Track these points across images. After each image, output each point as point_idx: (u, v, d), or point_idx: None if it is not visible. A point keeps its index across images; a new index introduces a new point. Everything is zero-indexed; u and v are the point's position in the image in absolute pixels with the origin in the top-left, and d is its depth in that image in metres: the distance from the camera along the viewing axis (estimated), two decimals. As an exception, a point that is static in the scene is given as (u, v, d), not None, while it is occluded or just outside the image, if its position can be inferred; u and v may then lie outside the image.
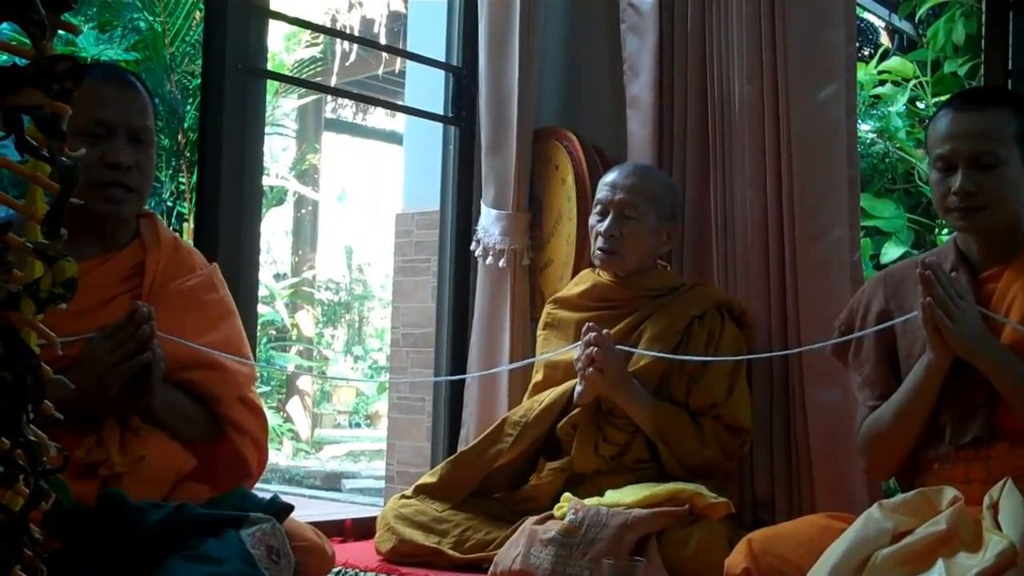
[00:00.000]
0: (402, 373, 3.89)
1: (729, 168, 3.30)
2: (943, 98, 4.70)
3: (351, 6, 9.29)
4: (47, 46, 1.00)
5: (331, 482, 7.31)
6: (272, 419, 9.07)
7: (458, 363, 3.73)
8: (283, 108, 9.43)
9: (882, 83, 5.43)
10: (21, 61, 1.01)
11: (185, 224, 7.42)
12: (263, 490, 2.54)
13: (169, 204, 7.19)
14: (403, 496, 3.06)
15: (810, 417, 3.07)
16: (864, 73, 5.33)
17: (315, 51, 9.27)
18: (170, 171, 6.81)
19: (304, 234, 11.06)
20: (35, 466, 1.10)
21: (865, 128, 5.38)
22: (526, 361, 3.24)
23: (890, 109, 5.34)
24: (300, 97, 9.80)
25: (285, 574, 2.00)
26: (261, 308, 9.36)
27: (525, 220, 3.63)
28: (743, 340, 3.09)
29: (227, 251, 3.13)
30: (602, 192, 3.11)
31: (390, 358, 4.11)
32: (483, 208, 3.67)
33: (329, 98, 11.17)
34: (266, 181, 9.47)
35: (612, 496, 2.77)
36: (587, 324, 2.96)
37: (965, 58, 5.09)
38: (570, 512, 2.68)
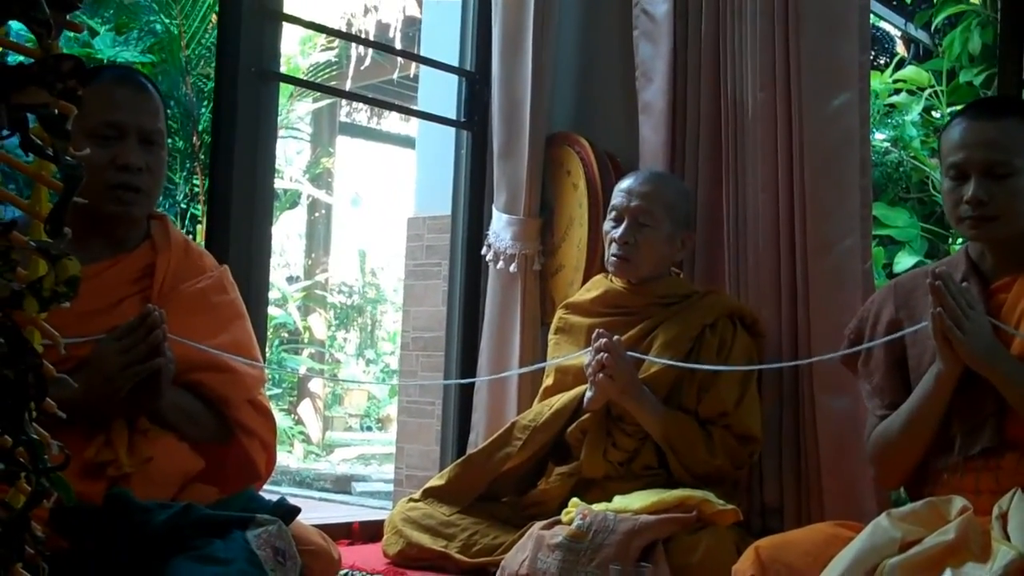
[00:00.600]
0: (412, 377, 3.89)
1: (741, 175, 3.29)
2: (958, 107, 4.69)
3: (367, 11, 9.31)
4: (53, 45, 1.00)
5: (341, 485, 7.32)
6: (283, 421, 9.10)
7: (468, 367, 3.73)
8: (298, 112, 9.46)
9: (897, 92, 5.43)
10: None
11: (199, 226, 7.44)
12: (273, 492, 2.55)
13: (183, 206, 7.22)
14: (411, 499, 3.06)
15: (819, 425, 3.06)
16: (879, 82, 5.33)
17: (330, 55, 9.30)
18: (184, 173, 6.84)
19: (318, 237, 11.08)
20: (37, 464, 1.10)
21: (880, 137, 5.38)
22: (537, 366, 3.24)
23: (905, 118, 5.34)
24: (315, 101, 9.83)
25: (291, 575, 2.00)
26: (274, 311, 9.40)
27: (536, 225, 3.63)
28: (755, 349, 3.08)
29: (238, 253, 3.14)
30: (617, 198, 3.10)
31: (400, 362, 4.11)
32: (495, 213, 3.67)
33: (344, 102, 11.19)
34: (280, 184, 9.50)
35: (620, 502, 2.76)
36: (597, 330, 2.96)
37: (981, 67, 5.09)
38: (577, 517, 2.67)
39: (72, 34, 1.06)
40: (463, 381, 3.65)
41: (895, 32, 6.21)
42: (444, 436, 3.75)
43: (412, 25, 8.85)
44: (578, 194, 3.59)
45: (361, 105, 11.74)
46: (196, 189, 6.82)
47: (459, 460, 3.15)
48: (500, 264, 3.60)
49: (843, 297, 3.05)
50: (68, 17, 1.05)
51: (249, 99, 3.19)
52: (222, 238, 3.17)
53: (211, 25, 6.59)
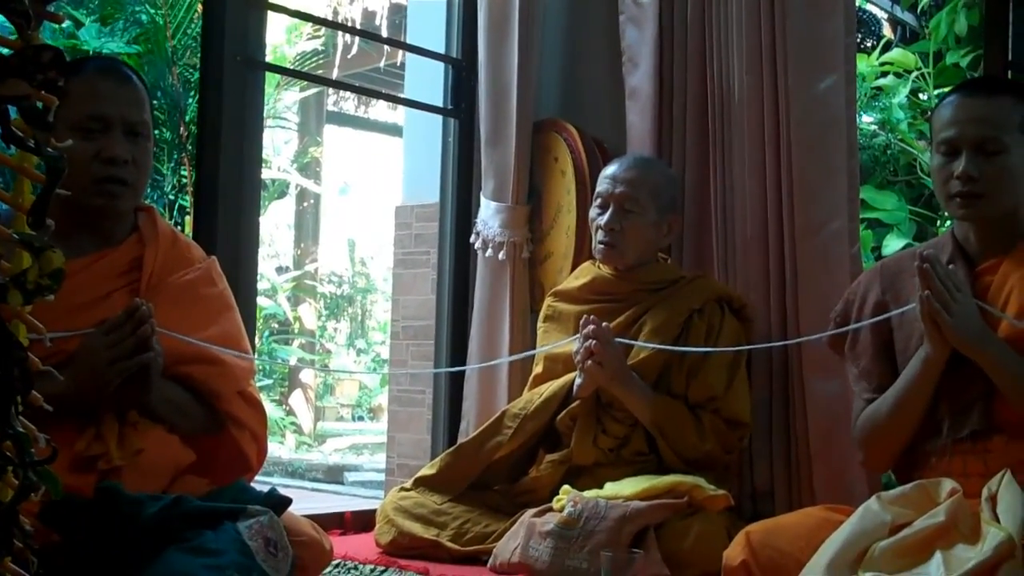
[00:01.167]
0: (402, 366, 3.89)
1: (729, 159, 3.29)
2: (945, 89, 4.69)
3: (352, -2, 9.29)
4: (33, 36, 1.00)
5: (333, 475, 7.30)
6: (275, 412, 9.09)
7: (458, 356, 3.73)
8: (285, 101, 9.44)
9: (884, 75, 5.43)
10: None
11: (187, 217, 7.42)
12: (265, 483, 2.55)
13: (171, 197, 7.20)
14: (402, 488, 3.06)
15: (809, 409, 3.07)
16: (866, 65, 5.33)
17: (317, 43, 9.27)
18: (172, 164, 6.82)
19: (306, 227, 11.06)
20: (24, 458, 1.10)
21: (867, 120, 5.38)
22: (526, 354, 3.24)
23: (892, 101, 5.34)
24: (302, 90, 9.80)
25: (283, 566, 2.00)
26: (263, 301, 9.38)
27: (525, 212, 3.63)
28: (743, 333, 3.08)
29: (227, 244, 3.13)
30: (602, 185, 3.10)
31: (391, 351, 4.11)
32: (483, 200, 3.67)
33: (331, 91, 11.16)
34: (268, 174, 9.47)
35: (611, 488, 2.77)
36: (585, 317, 2.96)
37: (967, 49, 5.09)
38: (569, 504, 2.68)
39: (57, 26, 1.05)
40: (452, 370, 3.65)
41: (881, 14, 6.21)
42: (435, 425, 3.75)
43: (398, 12, 8.82)
44: (566, 181, 3.59)
45: (348, 94, 11.71)
46: (184, 180, 6.81)
47: (450, 449, 3.15)
48: (489, 252, 3.59)
49: (831, 280, 3.05)
50: (48, 8, 1.04)
51: (235, 89, 3.18)
52: (210, 229, 3.16)
53: (196, 15, 6.56)
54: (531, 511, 2.78)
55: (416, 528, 2.91)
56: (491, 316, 3.59)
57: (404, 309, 3.93)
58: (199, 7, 6.48)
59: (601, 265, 3.17)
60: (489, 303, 3.60)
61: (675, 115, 3.46)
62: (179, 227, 7.84)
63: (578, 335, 2.96)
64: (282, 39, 8.78)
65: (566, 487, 2.82)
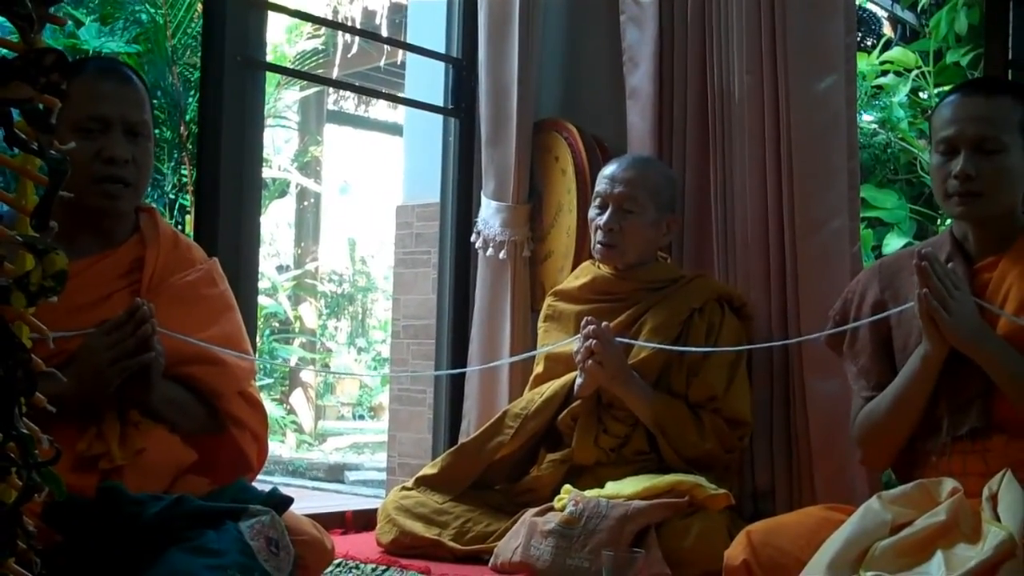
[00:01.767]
0: (403, 365, 3.89)
1: (729, 159, 3.29)
2: (945, 88, 4.70)
3: (352, -3, 9.29)
4: (35, 39, 1.00)
5: (334, 474, 7.32)
6: (275, 411, 9.09)
7: (459, 355, 3.73)
8: (285, 100, 9.44)
9: (884, 73, 5.43)
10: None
11: (188, 216, 7.42)
12: (266, 482, 2.55)
13: (172, 197, 7.21)
14: (404, 488, 3.06)
15: (810, 408, 3.07)
16: (866, 63, 5.33)
17: (317, 43, 9.27)
18: (172, 164, 6.83)
19: (307, 226, 11.06)
20: (27, 459, 1.10)
21: (867, 119, 5.38)
22: (526, 355, 3.24)
23: (892, 99, 5.34)
24: (302, 89, 9.80)
25: (284, 566, 2.00)
26: (264, 300, 9.38)
27: (525, 212, 3.63)
28: (743, 332, 3.08)
29: (227, 243, 3.14)
30: (601, 185, 3.10)
31: (391, 350, 4.11)
32: (483, 200, 3.67)
33: (331, 90, 11.17)
34: (268, 173, 9.48)
35: (612, 488, 2.77)
36: (586, 317, 2.96)
37: (967, 48, 5.09)
38: (570, 504, 2.68)
39: (56, 26, 1.06)
40: (453, 372, 3.65)
41: (882, 13, 6.21)
42: (436, 424, 3.75)
43: (398, 12, 8.82)
44: (566, 180, 3.59)
45: (349, 93, 11.72)
46: (184, 179, 6.81)
47: (451, 449, 3.15)
48: (489, 251, 3.59)
49: (831, 279, 3.05)
50: (50, 10, 1.04)
51: (235, 88, 3.18)
52: (211, 228, 3.16)
53: (196, 14, 6.57)
54: (532, 510, 2.78)
55: (417, 527, 2.91)
56: (492, 315, 3.59)
57: (405, 308, 3.93)
58: (199, 7, 6.48)
59: (601, 265, 3.17)
60: (490, 302, 3.60)
61: (675, 115, 3.46)
62: (180, 226, 7.85)
63: (579, 335, 2.96)
64: (282, 38, 8.78)
65: (567, 486, 2.82)
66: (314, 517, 3.08)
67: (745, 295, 3.16)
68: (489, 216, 3.62)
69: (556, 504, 2.76)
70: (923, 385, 2.39)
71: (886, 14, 6.20)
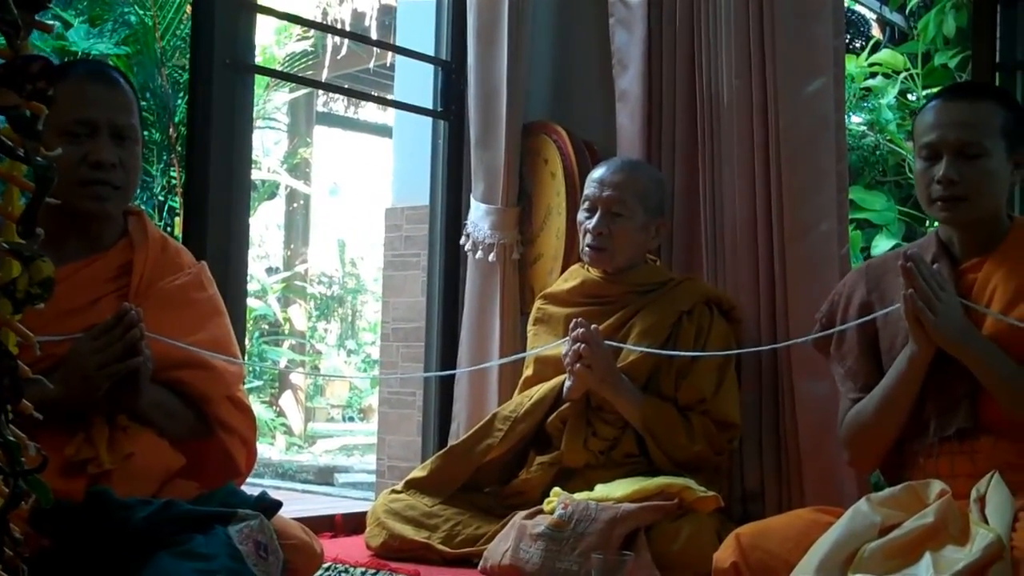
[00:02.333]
0: (392, 368, 3.89)
1: (718, 162, 3.30)
2: (934, 90, 4.71)
3: (342, 0, 9.28)
4: (22, 46, 1.00)
5: (324, 476, 7.30)
6: (265, 413, 9.07)
7: (448, 358, 3.73)
8: (274, 102, 9.43)
9: (873, 75, 5.44)
10: None
11: (177, 218, 7.40)
12: (255, 485, 2.55)
13: (160, 199, 7.20)
14: (393, 491, 3.06)
15: (799, 410, 3.07)
16: (855, 65, 5.34)
17: (306, 44, 9.26)
18: (161, 165, 6.82)
19: (296, 228, 11.04)
20: (14, 466, 1.10)
21: (856, 120, 5.39)
22: (515, 357, 3.24)
23: (880, 101, 5.35)
24: (291, 91, 9.79)
25: (273, 570, 2.00)
26: (253, 303, 9.36)
27: (515, 214, 3.63)
28: (732, 335, 3.09)
29: (216, 245, 3.13)
30: (590, 188, 3.11)
31: (381, 352, 4.11)
32: (472, 202, 3.67)
33: (320, 92, 11.15)
34: (258, 175, 9.46)
35: (601, 490, 2.77)
36: (575, 320, 2.96)
37: (955, 50, 5.10)
38: (559, 507, 2.68)
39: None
40: (442, 374, 3.65)
41: (870, 15, 6.22)
42: (425, 427, 3.75)
43: (388, 14, 8.82)
44: (556, 183, 3.59)
45: (338, 95, 11.70)
46: (173, 181, 6.80)
47: (441, 452, 3.14)
48: (479, 254, 3.59)
49: (820, 282, 3.05)
50: (37, 16, 1.04)
51: (224, 91, 3.18)
52: (200, 230, 3.15)
53: (186, 16, 6.56)
54: (522, 513, 2.78)
55: (407, 530, 2.91)
56: (481, 318, 3.59)
57: (394, 311, 3.93)
58: (188, 8, 6.47)
59: (590, 268, 3.17)
60: (479, 305, 3.60)
61: (664, 117, 3.46)
62: (169, 228, 7.84)
63: (567, 338, 2.96)
64: (272, 39, 8.77)
65: (556, 489, 2.83)
66: (303, 520, 3.07)
67: (734, 298, 3.16)
68: (478, 219, 3.62)
69: (545, 507, 2.76)
70: (910, 386, 2.40)
71: (874, 16, 6.22)
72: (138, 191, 5.31)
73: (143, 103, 5.76)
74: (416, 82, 3.99)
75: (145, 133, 2.46)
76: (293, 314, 10.66)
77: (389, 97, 4.53)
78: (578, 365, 2.91)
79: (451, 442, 3.46)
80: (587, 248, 3.09)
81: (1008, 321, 2.31)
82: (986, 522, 2.12)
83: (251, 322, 9.35)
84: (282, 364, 10.12)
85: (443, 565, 2.82)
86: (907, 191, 5.37)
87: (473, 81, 3.69)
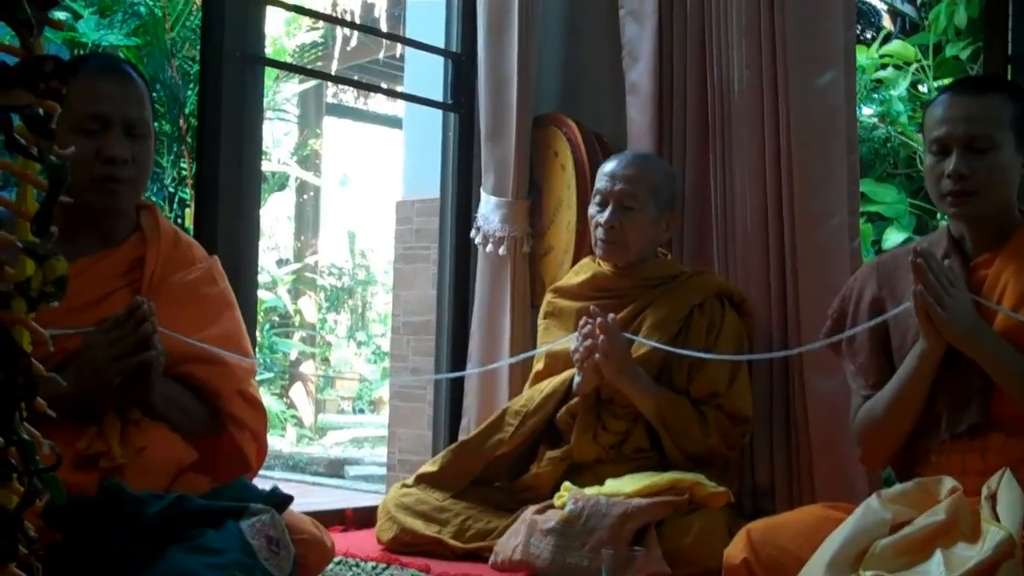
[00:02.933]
0: (403, 361, 3.89)
1: (729, 154, 3.29)
2: (945, 82, 4.69)
3: (353, -10, 9.27)
4: (35, 44, 1.00)
5: (334, 469, 7.31)
6: (275, 405, 9.08)
7: (459, 351, 3.73)
8: (284, 93, 9.41)
9: (884, 67, 5.42)
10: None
11: (187, 210, 7.40)
12: (266, 478, 2.55)
13: (171, 190, 7.20)
14: (404, 485, 3.07)
15: (810, 405, 3.07)
16: (866, 57, 5.32)
17: (316, 35, 9.25)
18: (172, 157, 6.82)
19: (306, 219, 11.05)
20: (28, 464, 1.10)
21: (867, 112, 5.37)
22: (524, 355, 3.23)
23: (892, 93, 5.33)
24: (301, 82, 9.79)
25: (285, 565, 2.00)
26: (264, 294, 9.36)
27: (525, 207, 3.62)
28: (743, 329, 3.09)
29: (227, 236, 3.14)
30: (601, 182, 3.10)
31: (391, 346, 4.10)
32: (483, 195, 3.66)
33: (330, 83, 11.15)
34: (267, 167, 9.46)
35: (612, 485, 2.77)
36: (585, 317, 2.96)
37: (967, 42, 5.08)
38: (570, 502, 2.68)
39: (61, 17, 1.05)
40: (453, 375, 3.64)
41: (881, 5, 6.20)
42: (436, 421, 3.75)
43: (398, 5, 8.80)
44: (566, 175, 3.59)
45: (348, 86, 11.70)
46: (184, 172, 6.80)
47: (452, 447, 3.16)
48: (489, 247, 3.59)
49: (831, 275, 3.05)
50: (49, 14, 1.04)
51: (234, 83, 3.18)
52: (211, 222, 3.16)
53: (196, 7, 6.55)
54: (532, 508, 2.79)
55: (418, 525, 2.91)
56: (492, 311, 3.59)
57: (405, 304, 3.93)
58: (198, 0, 6.47)
59: (601, 261, 3.17)
60: (490, 298, 3.60)
61: (675, 110, 3.46)
62: (179, 220, 7.83)
63: (577, 333, 2.96)
64: (281, 30, 8.76)
65: (567, 484, 2.83)
66: (314, 514, 3.08)
67: (745, 291, 3.16)
68: (489, 212, 3.61)
69: (556, 502, 2.76)
70: (921, 383, 2.39)
71: (886, 7, 6.20)
72: (148, 183, 5.32)
73: (153, 95, 5.76)
74: (426, 74, 3.98)
75: (156, 124, 2.46)
76: (303, 306, 10.67)
77: (399, 89, 4.53)
78: (597, 356, 2.90)
79: (461, 436, 3.47)
80: (599, 242, 3.08)
81: (1019, 318, 2.30)
82: (997, 520, 2.11)
83: (262, 314, 9.36)
84: (292, 356, 10.11)
85: (454, 559, 2.83)
86: (918, 184, 5.36)
87: (483, 73, 3.69)
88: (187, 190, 6.88)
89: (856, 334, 2.59)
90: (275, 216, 11.36)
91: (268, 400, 8.75)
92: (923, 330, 2.35)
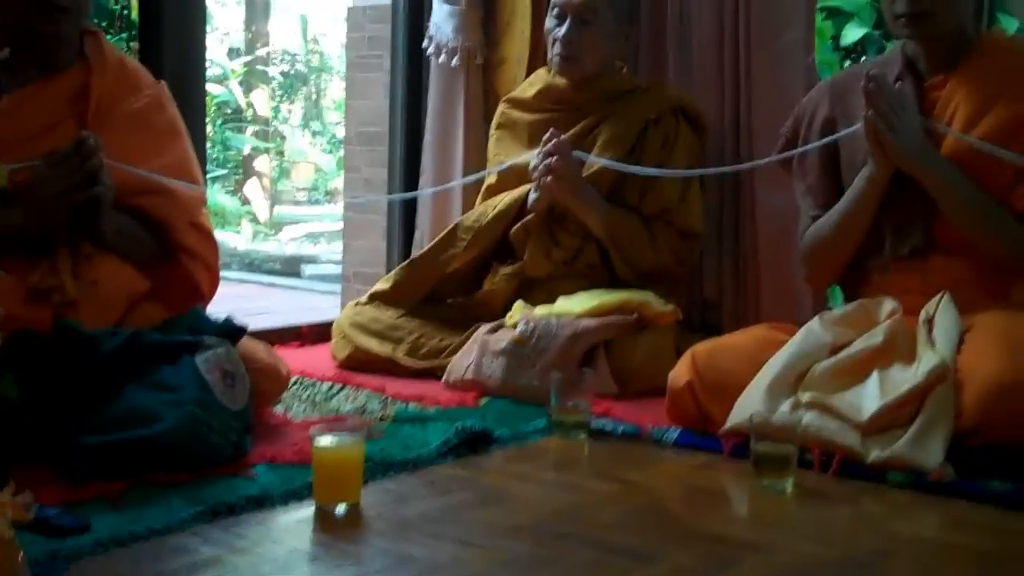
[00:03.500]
0: (356, 172, 3.86)
1: (687, -37, 3.21)
2: None
3: None
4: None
5: (291, 266, 7.33)
6: (230, 203, 9.04)
7: (412, 164, 3.68)
8: None
9: None
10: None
11: (133, 0, 7.18)
12: (223, 279, 2.56)
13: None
14: (358, 303, 3.09)
15: (759, 220, 3.09)
16: None
17: None
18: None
19: (256, 7, 10.75)
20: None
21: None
22: (479, 175, 3.19)
23: None
24: None
25: (240, 397, 2.05)
26: (214, 88, 9.19)
27: (478, 16, 3.52)
28: (697, 143, 3.08)
29: (173, 22, 3.00)
30: (559, -6, 3.04)
31: (345, 157, 4.06)
32: (435, 3, 3.56)
33: None
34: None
35: (562, 304, 2.80)
36: (551, 130, 2.93)
37: None
38: (521, 323, 2.72)
39: None
40: (406, 196, 3.60)
41: None
42: (390, 232, 3.73)
43: None
44: (520, -19, 3.48)
45: None
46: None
47: (404, 264, 3.16)
48: (442, 58, 3.52)
49: (785, 90, 3.03)
50: None
51: None
52: (157, 10, 3.01)
53: None
54: (485, 327, 2.82)
55: (372, 344, 2.95)
56: (445, 124, 3.54)
57: (358, 114, 3.87)
58: None
59: (557, 74, 3.12)
60: (443, 111, 3.54)
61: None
62: (126, 10, 7.60)
63: (536, 151, 2.94)
64: None
65: (519, 303, 2.86)
66: (270, 332, 3.15)
67: (700, 104, 3.14)
68: (441, 20, 3.52)
69: (507, 321, 2.80)
70: (868, 205, 2.44)
71: None
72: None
73: None
74: None
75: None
76: (256, 99, 10.50)
77: None
78: (548, 178, 2.91)
79: (415, 249, 3.49)
80: (556, 57, 3.04)
81: (967, 139, 2.33)
82: (933, 344, 2.18)
83: (213, 108, 9.21)
84: (246, 151, 10.02)
85: (408, 377, 2.86)
86: (879, -21, 5.28)
87: None
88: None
89: (807, 154, 2.61)
90: (223, 2, 11.05)
91: (222, 198, 8.70)
92: (872, 154, 2.39)
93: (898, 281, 2.44)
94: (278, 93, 12.20)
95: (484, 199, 3.19)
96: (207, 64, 3.26)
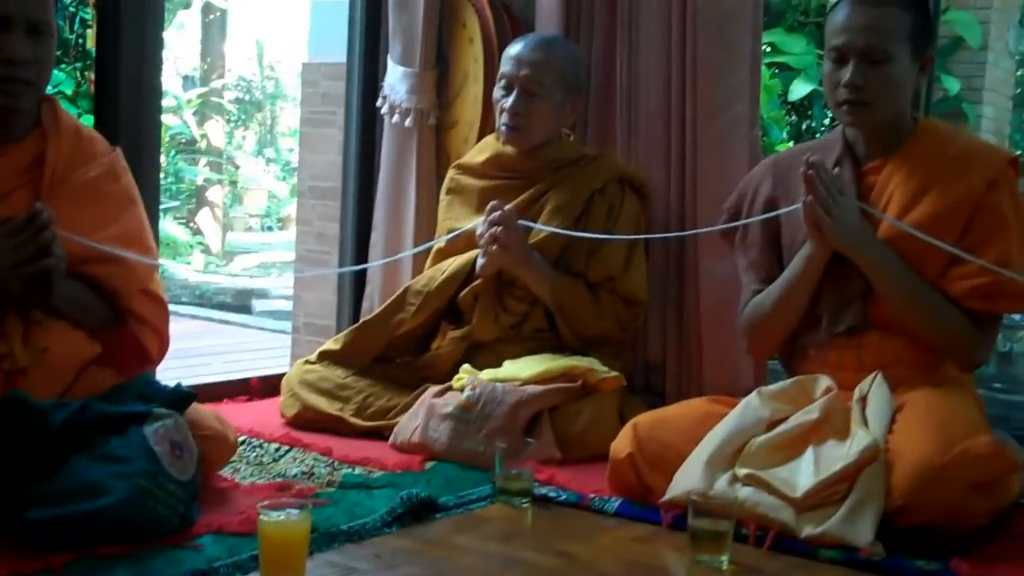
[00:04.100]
0: (308, 226, 3.88)
1: (635, 36, 3.27)
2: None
3: None
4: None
5: (241, 300, 7.32)
6: (182, 234, 9.01)
7: (364, 219, 3.70)
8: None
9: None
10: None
11: (89, 31, 7.20)
12: (173, 313, 2.57)
13: (72, 10, 6.98)
14: (307, 361, 3.12)
15: (702, 288, 3.16)
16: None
17: None
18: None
19: (212, 39, 10.75)
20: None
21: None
22: (427, 245, 3.23)
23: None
24: None
25: (188, 467, 2.08)
26: (169, 119, 9.17)
27: (432, 78, 3.58)
28: (642, 213, 3.15)
29: (131, 56, 3.01)
30: (506, 66, 3.10)
31: (297, 210, 4.08)
32: (390, 64, 3.61)
33: None
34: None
35: (509, 369, 2.86)
36: (492, 203, 3.00)
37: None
38: (468, 388, 2.77)
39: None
40: (356, 268, 3.65)
41: None
42: (341, 286, 3.76)
43: None
44: (474, 49, 3.54)
45: None
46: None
47: (354, 326, 3.20)
48: (396, 118, 3.56)
49: (730, 162, 3.11)
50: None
51: None
52: (114, 40, 3.02)
53: None
54: (432, 390, 2.87)
55: (321, 403, 2.98)
56: (397, 182, 3.58)
57: (311, 168, 3.90)
58: None
59: (504, 142, 3.18)
60: (395, 169, 3.59)
61: (585, -15, 3.41)
62: (80, 40, 7.59)
63: (482, 219, 3.00)
64: None
65: (466, 366, 2.92)
66: (220, 386, 3.17)
67: (645, 175, 3.21)
68: (396, 82, 3.57)
69: (455, 384, 2.85)
70: (807, 284, 2.53)
71: None
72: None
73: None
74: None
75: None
76: (210, 130, 10.48)
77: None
78: (494, 247, 2.97)
79: (365, 305, 3.53)
80: (503, 126, 3.10)
81: (901, 226, 2.42)
82: (866, 423, 2.26)
83: (167, 140, 9.19)
84: (199, 181, 10.00)
85: (355, 437, 2.89)
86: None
87: (392, -62, 3.58)
88: (88, 9, 6.67)
89: (749, 230, 2.69)
90: (179, 34, 11.06)
91: (174, 229, 8.67)
92: (811, 236, 2.48)
93: (834, 358, 2.53)
94: (232, 121, 12.19)
95: (434, 262, 3.25)
96: (163, 93, 3.26)
